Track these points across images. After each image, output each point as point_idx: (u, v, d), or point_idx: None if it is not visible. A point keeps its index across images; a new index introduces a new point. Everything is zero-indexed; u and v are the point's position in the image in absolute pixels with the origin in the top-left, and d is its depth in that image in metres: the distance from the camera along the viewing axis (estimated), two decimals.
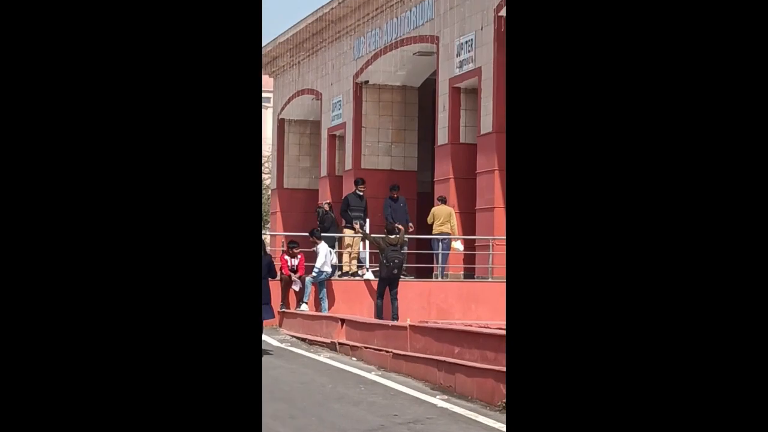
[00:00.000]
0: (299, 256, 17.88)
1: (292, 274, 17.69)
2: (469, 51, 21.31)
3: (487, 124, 20.44)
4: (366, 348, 13.09)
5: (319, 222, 20.26)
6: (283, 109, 31.10)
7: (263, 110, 45.58)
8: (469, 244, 20.28)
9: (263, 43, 30.26)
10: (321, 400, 9.70)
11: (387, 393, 10.27)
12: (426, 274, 20.64)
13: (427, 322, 14.61)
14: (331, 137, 27.87)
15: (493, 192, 20.14)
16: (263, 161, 38.62)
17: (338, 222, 20.64)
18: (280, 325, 16.93)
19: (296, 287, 17.68)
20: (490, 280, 19.14)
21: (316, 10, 27.56)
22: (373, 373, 11.77)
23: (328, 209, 20.80)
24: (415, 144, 26.07)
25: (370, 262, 19.18)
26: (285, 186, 31.09)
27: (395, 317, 16.77)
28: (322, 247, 17.85)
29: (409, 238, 19.03)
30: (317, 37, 28.49)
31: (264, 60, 31.07)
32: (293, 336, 15.85)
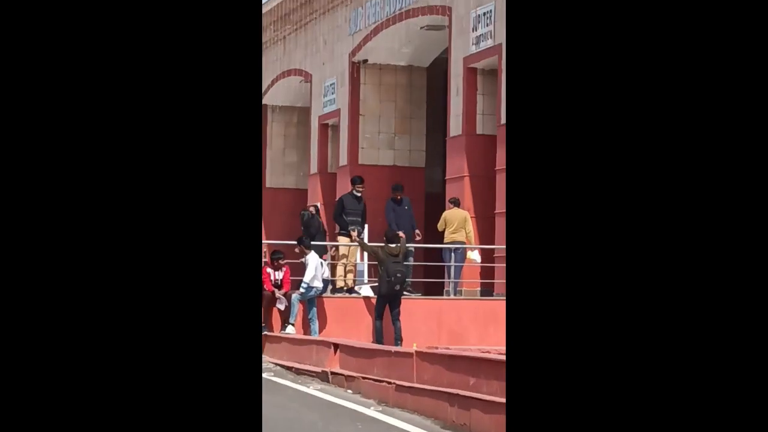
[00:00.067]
0: (284, 269, 17.88)
1: (276, 290, 17.66)
2: (487, 25, 21.30)
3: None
4: (364, 378, 13.09)
5: (303, 228, 20.19)
6: (265, 93, 31.07)
7: None
8: (487, 255, 20.26)
9: None
10: None
11: None
12: (436, 290, 20.63)
13: (436, 347, 14.60)
14: (323, 127, 27.91)
15: None
16: None
17: (327, 228, 20.61)
18: (262, 351, 16.92)
19: (281, 306, 17.66)
20: None
21: None
22: (372, 408, 11.77)
23: (314, 213, 20.77)
24: (423, 135, 26.10)
25: (369, 275, 19.14)
26: (268, 185, 31.07)
27: (398, 341, 16.76)
28: (312, 259, 17.78)
29: (415, 248, 18.99)
30: (306, 8, 28.52)
31: None
32: (277, 364, 15.84)
